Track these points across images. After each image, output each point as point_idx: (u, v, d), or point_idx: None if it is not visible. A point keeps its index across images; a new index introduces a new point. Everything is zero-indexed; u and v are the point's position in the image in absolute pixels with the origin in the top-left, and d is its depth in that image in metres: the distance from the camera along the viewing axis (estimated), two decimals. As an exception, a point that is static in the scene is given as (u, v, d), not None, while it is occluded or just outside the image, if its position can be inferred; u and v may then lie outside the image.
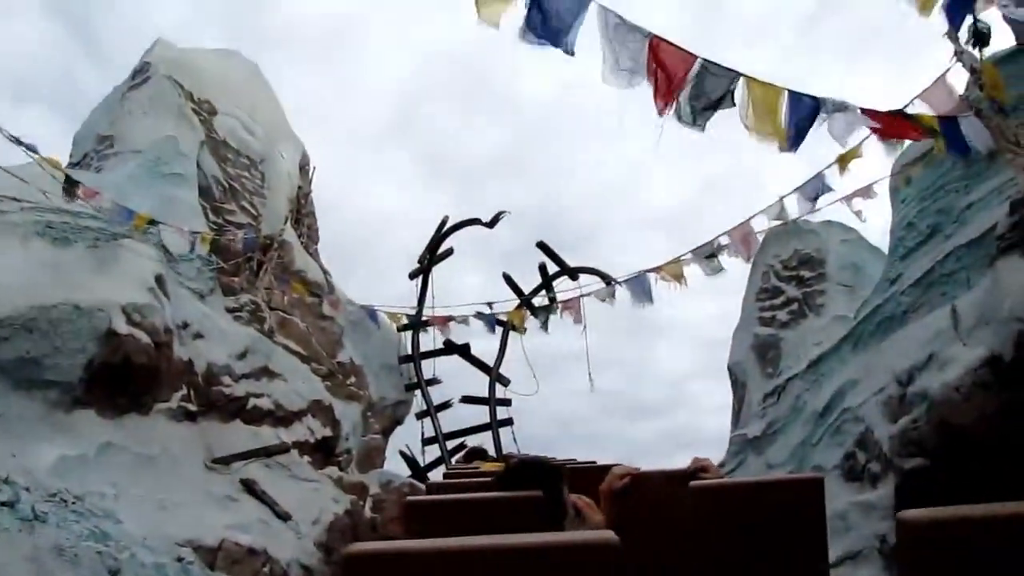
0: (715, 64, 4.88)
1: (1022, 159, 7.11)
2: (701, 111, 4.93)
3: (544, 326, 14.78)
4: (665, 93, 4.81)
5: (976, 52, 5.94)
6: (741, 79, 4.93)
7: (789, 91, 5.11)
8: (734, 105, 4.94)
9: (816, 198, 7.97)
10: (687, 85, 4.85)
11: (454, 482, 4.44)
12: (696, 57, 4.82)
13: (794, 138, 5.09)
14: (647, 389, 52.94)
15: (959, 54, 6.58)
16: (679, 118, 4.88)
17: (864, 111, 5.34)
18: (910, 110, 6.03)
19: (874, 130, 5.72)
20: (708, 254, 9.37)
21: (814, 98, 5.19)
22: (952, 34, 6.84)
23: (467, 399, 16.68)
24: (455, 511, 2.74)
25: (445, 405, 16.40)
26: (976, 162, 8.45)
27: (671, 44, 4.78)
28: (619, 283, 12.69)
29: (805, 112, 5.12)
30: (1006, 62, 7.64)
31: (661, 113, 4.84)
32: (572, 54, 4.69)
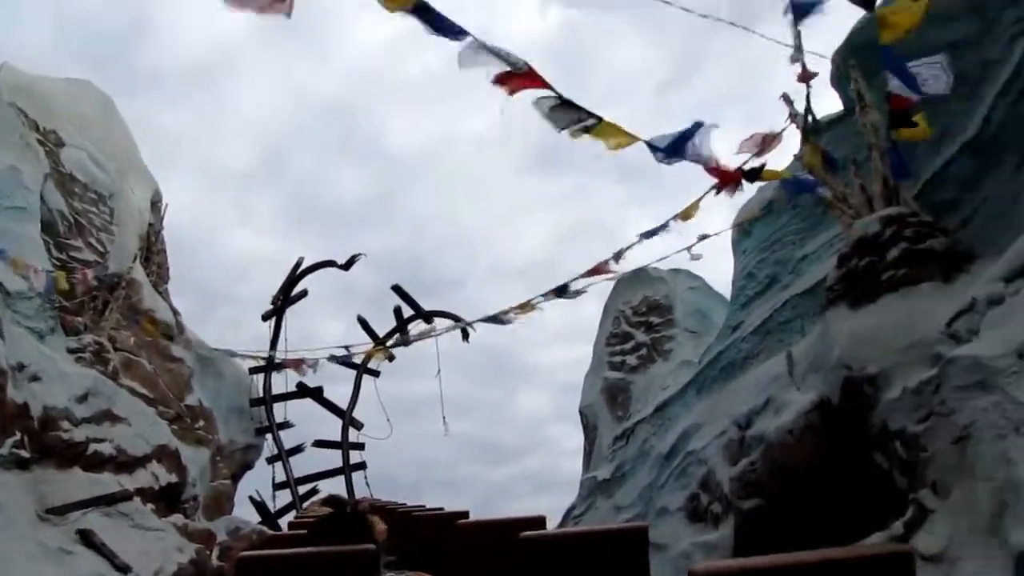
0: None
1: (848, 216, 7.75)
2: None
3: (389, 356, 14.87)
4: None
5: (808, 117, 6.51)
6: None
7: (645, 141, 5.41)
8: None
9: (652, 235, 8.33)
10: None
11: (294, 534, 4.47)
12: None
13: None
14: (505, 433, 53.35)
15: (793, 116, 7.21)
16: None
17: (710, 169, 5.75)
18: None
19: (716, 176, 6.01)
20: (561, 295, 9.71)
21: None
22: (788, 97, 7.54)
23: (320, 443, 16.48)
24: (284, 567, 2.83)
25: (297, 449, 16.15)
26: (810, 216, 9.06)
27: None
28: (472, 327, 12.99)
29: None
30: (836, 124, 8.31)
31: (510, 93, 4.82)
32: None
